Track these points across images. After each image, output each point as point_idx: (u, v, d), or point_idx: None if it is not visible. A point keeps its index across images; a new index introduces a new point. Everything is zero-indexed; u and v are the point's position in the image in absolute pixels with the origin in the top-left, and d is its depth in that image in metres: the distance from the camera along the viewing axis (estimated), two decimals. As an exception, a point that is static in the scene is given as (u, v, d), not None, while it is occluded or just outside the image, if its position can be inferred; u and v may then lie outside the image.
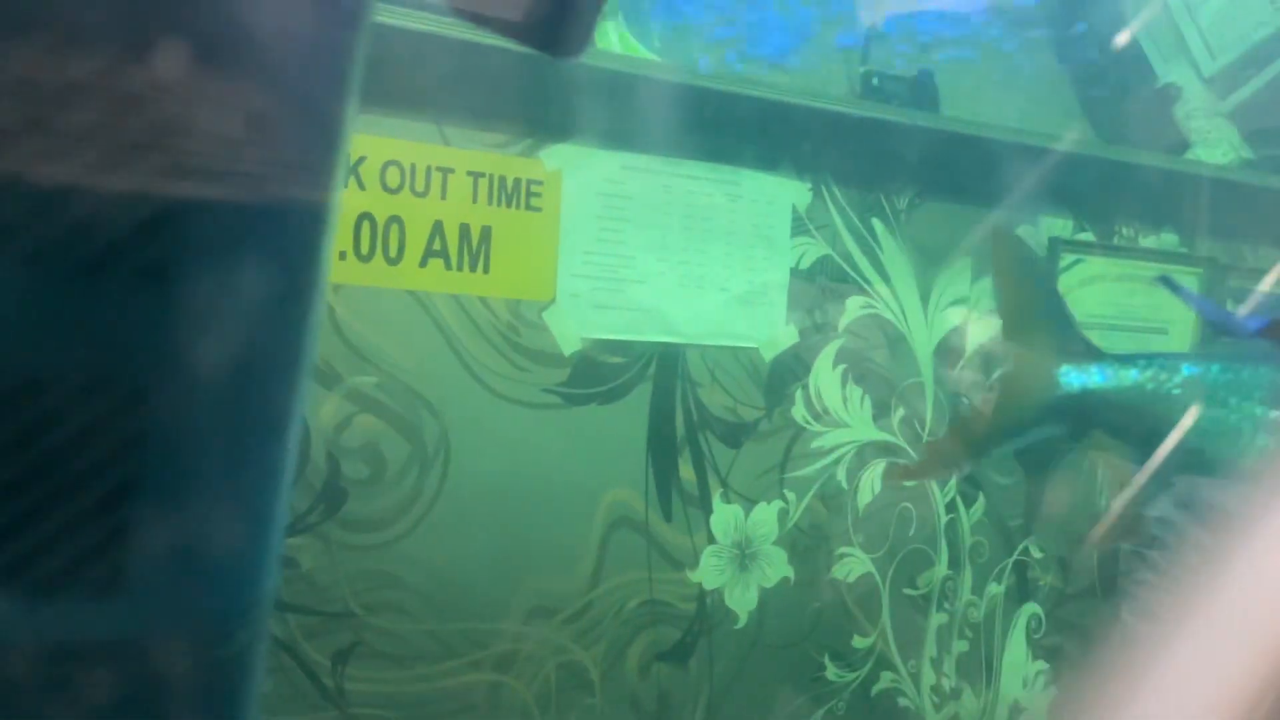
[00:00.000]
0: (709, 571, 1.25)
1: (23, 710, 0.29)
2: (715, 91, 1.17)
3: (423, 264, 1.07)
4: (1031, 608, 1.50)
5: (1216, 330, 1.48)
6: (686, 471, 1.23)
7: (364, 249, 1.04)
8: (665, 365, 1.21)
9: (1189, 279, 1.55)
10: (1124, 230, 1.53)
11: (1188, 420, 0.98)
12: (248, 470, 0.34)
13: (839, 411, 1.32)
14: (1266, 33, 1.53)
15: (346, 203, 1.02)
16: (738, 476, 1.26)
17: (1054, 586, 1.51)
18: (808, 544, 1.31)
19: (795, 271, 1.27)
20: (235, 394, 0.32)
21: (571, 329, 1.15)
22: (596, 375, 1.17)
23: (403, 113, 1.05)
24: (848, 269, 1.31)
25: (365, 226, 1.04)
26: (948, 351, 1.39)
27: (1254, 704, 0.34)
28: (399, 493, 1.08)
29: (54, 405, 0.28)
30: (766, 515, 1.28)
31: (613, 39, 1.15)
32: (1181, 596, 0.38)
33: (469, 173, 1.08)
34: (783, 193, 1.26)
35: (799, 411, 1.29)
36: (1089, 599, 1.53)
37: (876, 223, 1.33)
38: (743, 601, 1.27)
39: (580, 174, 1.14)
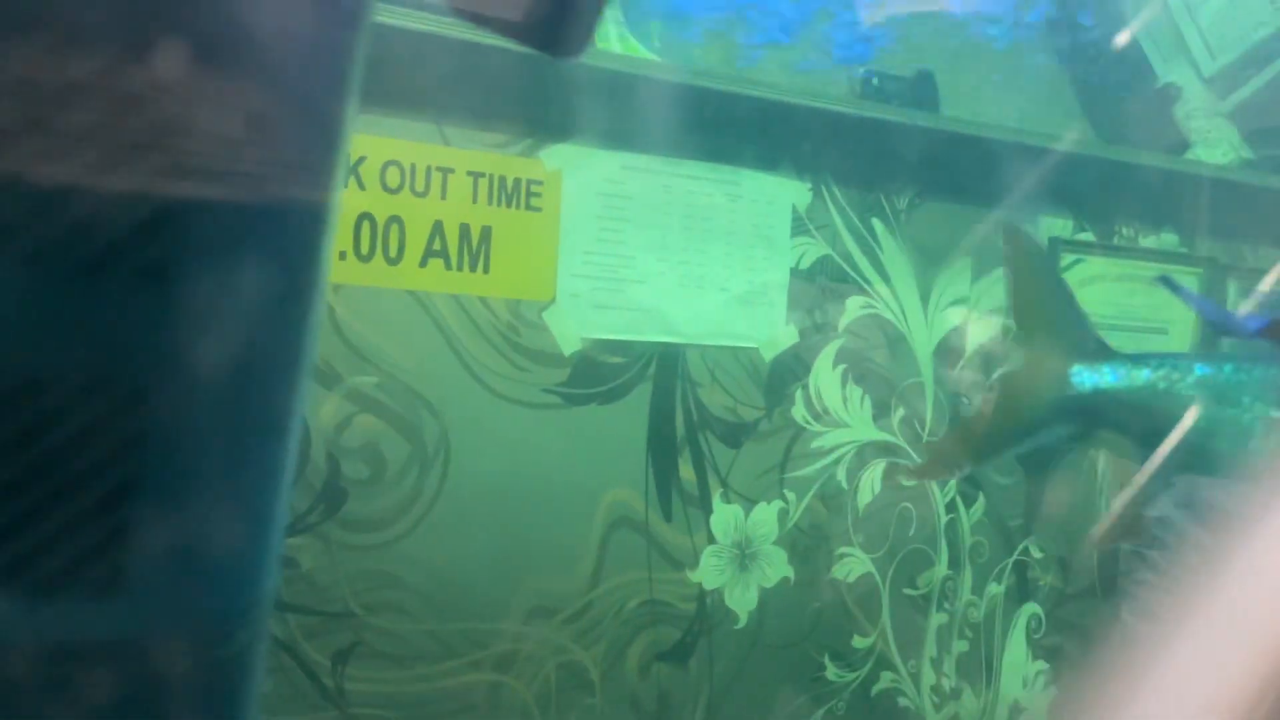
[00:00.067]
0: (709, 571, 1.25)
1: (23, 710, 0.29)
2: (715, 91, 1.17)
3: (423, 264, 1.07)
4: (1031, 608, 1.50)
5: (1216, 330, 1.48)
6: (686, 471, 1.23)
7: (364, 249, 1.04)
8: (665, 365, 1.21)
9: (1189, 279, 1.55)
10: (1124, 230, 1.53)
11: (1200, 420, 0.98)
12: (248, 470, 0.34)
13: (839, 411, 1.32)
14: (1266, 33, 1.53)
15: (346, 203, 1.02)
16: (738, 476, 1.26)
17: (1054, 586, 1.51)
18: (808, 544, 1.31)
19: (795, 271, 1.27)
20: (235, 394, 0.32)
21: (571, 329, 1.15)
22: (596, 375, 1.17)
23: (403, 113, 1.05)
24: (848, 269, 1.31)
25: (365, 226, 1.04)
26: (948, 351, 1.39)
27: (1254, 704, 0.34)
28: (399, 493, 1.08)
29: (54, 405, 0.28)
30: (766, 515, 1.28)
31: (613, 39, 1.15)
32: (1181, 596, 0.38)
33: (469, 173, 1.08)
34: (783, 193, 1.26)
35: (799, 411, 1.29)
36: (1089, 599, 1.53)
37: (876, 223, 1.33)
38: (743, 601, 1.27)
39: (580, 174, 1.14)
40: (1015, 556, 1.48)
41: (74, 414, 0.29)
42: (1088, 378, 1.07)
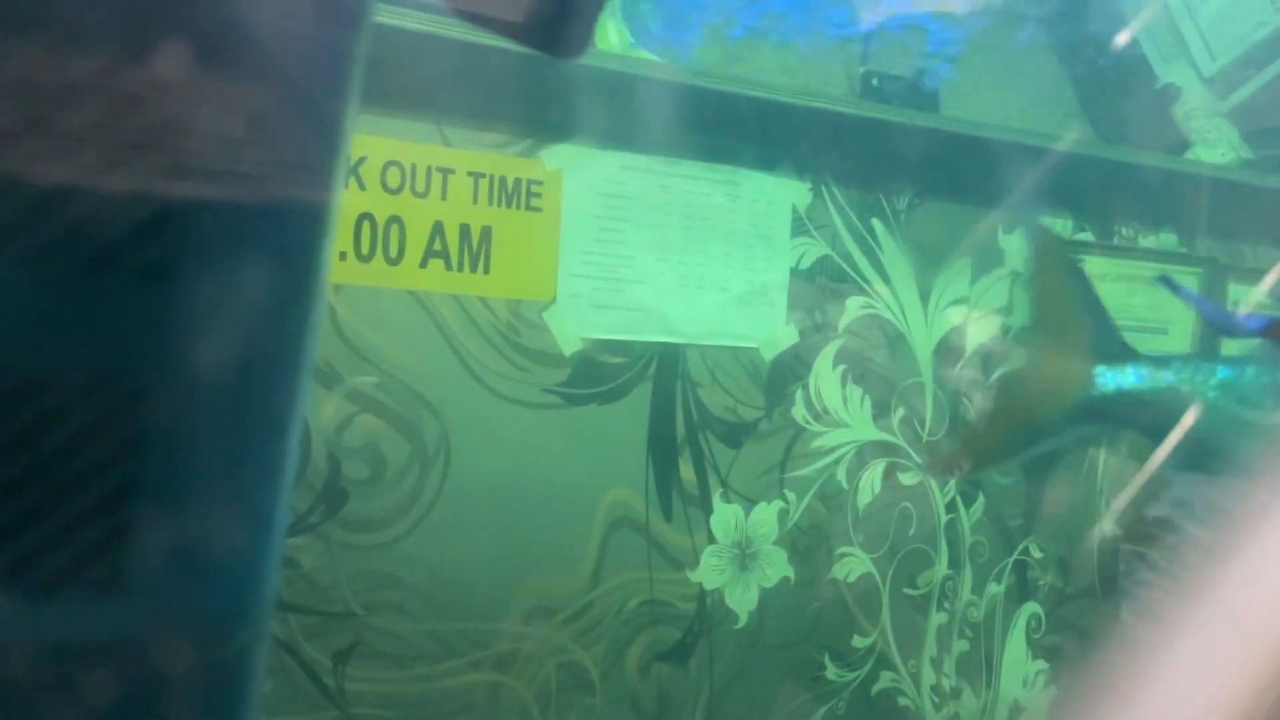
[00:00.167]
0: (709, 571, 1.25)
1: (24, 710, 0.29)
2: (715, 91, 1.17)
3: (423, 264, 1.07)
4: (1031, 607, 1.50)
5: (1216, 330, 1.48)
6: (687, 471, 1.23)
7: (364, 249, 1.04)
8: (665, 365, 1.21)
9: (1189, 279, 1.55)
10: (1124, 230, 1.53)
11: (1222, 422, 0.98)
12: (248, 471, 0.34)
13: (839, 411, 1.32)
14: (1266, 33, 1.53)
15: (347, 203, 1.02)
16: (738, 476, 1.26)
17: (1054, 586, 1.51)
18: (808, 544, 1.31)
19: (795, 271, 1.27)
20: (236, 394, 0.32)
21: (572, 329, 1.15)
22: (597, 375, 1.17)
23: (403, 113, 1.05)
24: (848, 269, 1.31)
25: (365, 227, 1.04)
26: (948, 351, 1.39)
27: (1254, 704, 0.34)
28: (399, 493, 1.08)
29: (55, 405, 0.28)
30: (767, 515, 1.28)
31: (612, 39, 1.15)
32: (1182, 596, 0.38)
33: (469, 173, 1.08)
34: (782, 193, 1.26)
35: (799, 411, 1.29)
36: (1089, 599, 1.53)
37: (876, 223, 1.33)
38: (743, 601, 1.27)
39: (580, 174, 1.14)
40: (1015, 556, 1.48)
41: (74, 414, 0.29)
42: (1111, 379, 1.07)
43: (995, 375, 1.43)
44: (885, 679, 1.38)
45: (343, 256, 1.03)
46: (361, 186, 1.03)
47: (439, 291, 1.08)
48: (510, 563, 1.13)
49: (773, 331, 1.27)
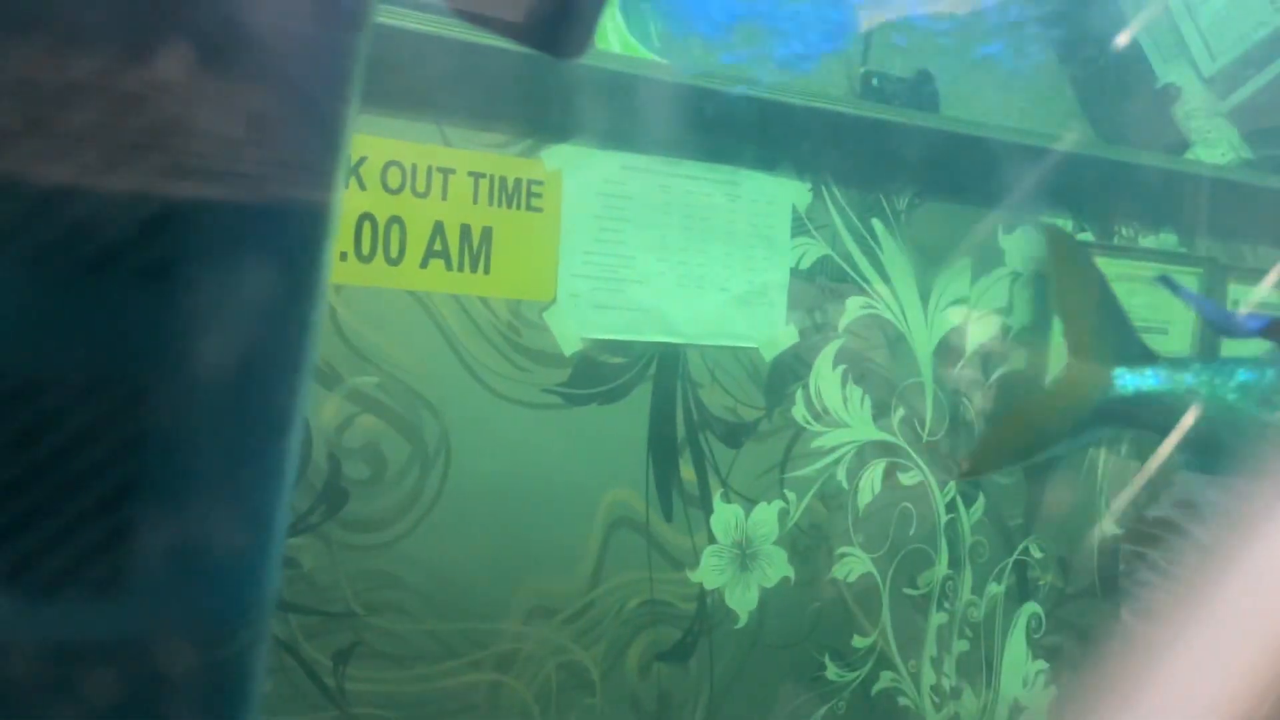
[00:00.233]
0: (709, 571, 1.25)
1: (25, 709, 0.29)
2: (715, 92, 1.17)
3: (423, 264, 1.07)
4: (1031, 607, 1.50)
5: (1216, 330, 1.48)
6: (687, 471, 1.23)
7: (365, 249, 1.04)
8: (665, 365, 1.21)
9: (1189, 279, 1.55)
10: (1124, 230, 1.53)
11: (1238, 423, 0.98)
12: (249, 471, 0.34)
13: (839, 411, 1.32)
14: (1266, 33, 1.53)
15: (347, 203, 1.02)
16: (738, 476, 1.26)
17: (1054, 586, 1.51)
18: (808, 544, 1.31)
19: (795, 271, 1.27)
20: (236, 395, 0.32)
21: (572, 329, 1.15)
22: (597, 375, 1.17)
23: (404, 113, 1.05)
24: (848, 269, 1.31)
25: (366, 227, 1.04)
26: (948, 351, 1.39)
27: (1255, 704, 0.34)
28: (400, 493, 1.08)
29: (55, 405, 0.28)
30: (767, 515, 1.28)
31: (612, 39, 1.15)
32: (1182, 596, 0.38)
33: (470, 173, 1.08)
34: (783, 193, 1.26)
35: (799, 411, 1.29)
36: (1089, 599, 1.53)
37: (876, 223, 1.33)
38: (743, 601, 1.27)
39: (580, 174, 1.14)
40: (1015, 556, 1.48)
41: (75, 414, 0.29)
42: (1130, 380, 1.07)
43: (996, 375, 1.43)
44: (885, 679, 1.38)
45: (343, 257, 1.03)
46: (362, 187, 1.03)
47: (439, 292, 1.08)
48: (510, 563, 1.13)
49: (773, 331, 1.27)
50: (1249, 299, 1.60)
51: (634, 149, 1.16)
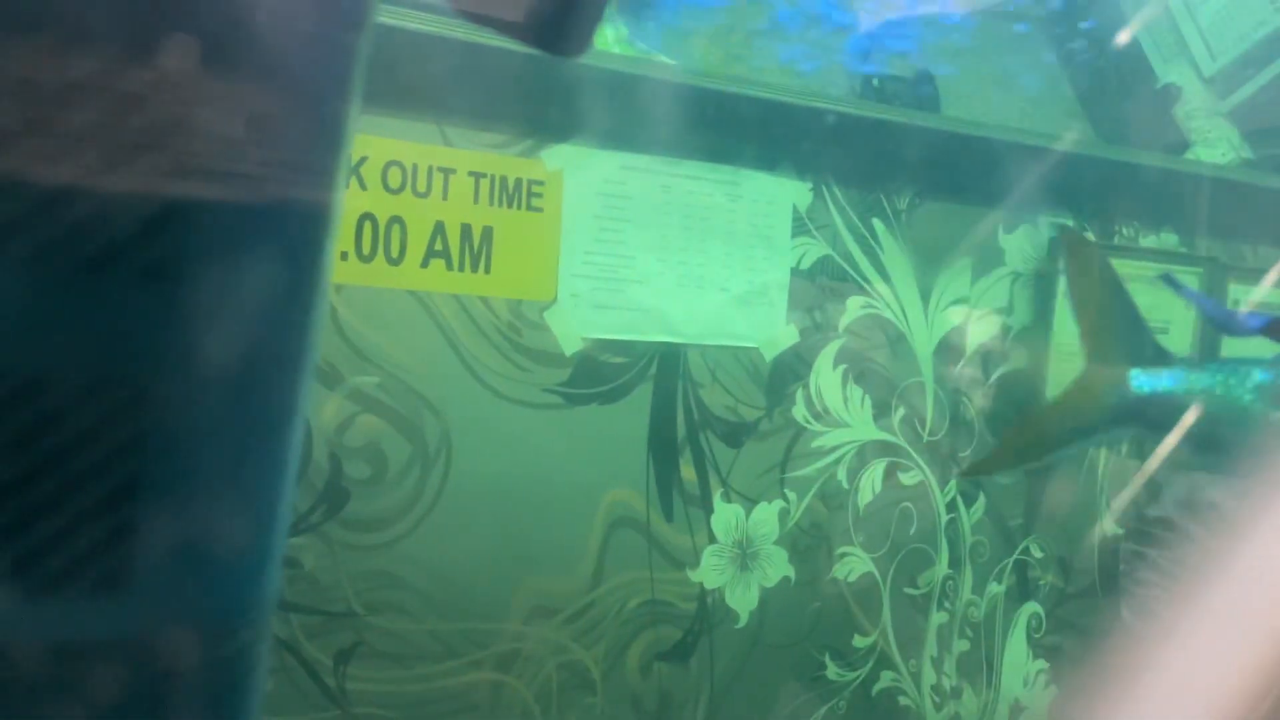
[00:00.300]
0: (710, 571, 1.25)
1: (26, 707, 0.29)
2: (715, 91, 1.17)
3: (424, 264, 1.07)
4: (1032, 607, 1.50)
5: (1218, 328, 1.48)
6: (687, 471, 1.23)
7: (366, 249, 1.04)
8: (666, 365, 1.21)
9: (1189, 278, 1.55)
10: (1124, 230, 1.53)
11: (1253, 424, 0.98)
12: (250, 470, 0.34)
13: (839, 411, 1.32)
14: (1266, 32, 1.53)
15: (348, 203, 1.02)
16: (738, 476, 1.26)
17: (1055, 586, 1.51)
18: (808, 543, 1.31)
19: (796, 271, 1.27)
20: (238, 393, 0.32)
21: (572, 329, 1.15)
22: (597, 375, 1.17)
23: (404, 113, 1.05)
24: (848, 269, 1.31)
25: (367, 227, 1.04)
26: (948, 351, 1.39)
27: (1255, 703, 0.34)
28: (400, 493, 1.08)
29: (58, 404, 0.28)
30: (767, 515, 1.28)
31: (611, 39, 1.16)
32: (1182, 595, 0.38)
33: (470, 173, 1.08)
34: (783, 193, 1.26)
35: (799, 411, 1.29)
36: (1090, 598, 1.53)
37: (877, 223, 1.33)
38: (744, 601, 1.27)
39: (581, 174, 1.14)
40: (1016, 556, 1.48)
41: (78, 413, 0.29)
42: (1146, 382, 1.08)
43: (996, 374, 1.43)
44: (886, 679, 1.38)
45: (344, 256, 1.03)
46: (363, 186, 1.03)
47: (440, 291, 1.08)
48: (511, 562, 1.13)
49: (773, 331, 1.27)
50: (1250, 298, 1.60)
51: (634, 149, 1.16)
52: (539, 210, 1.12)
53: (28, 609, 0.29)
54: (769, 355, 1.27)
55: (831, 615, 1.33)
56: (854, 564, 1.34)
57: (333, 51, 0.34)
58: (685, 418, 1.22)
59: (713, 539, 1.25)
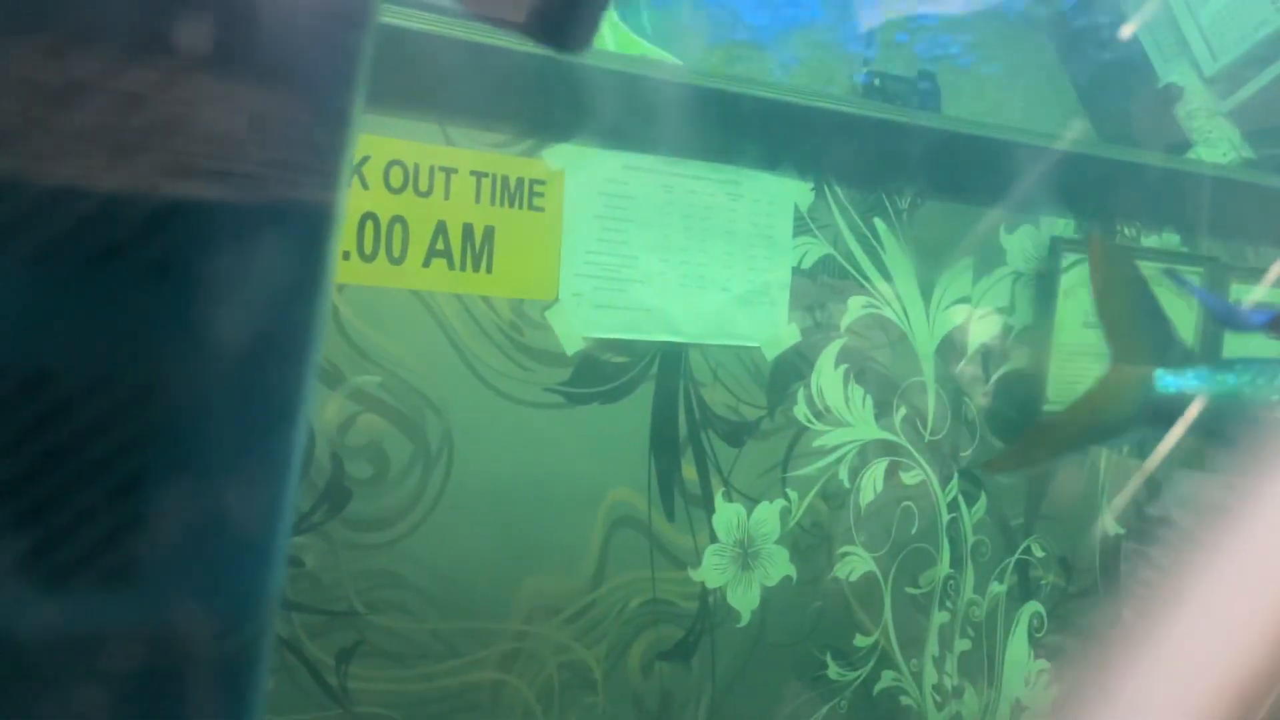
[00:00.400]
0: (711, 570, 1.25)
1: (30, 700, 0.29)
2: (717, 91, 1.18)
3: (426, 264, 1.07)
4: (1034, 606, 1.50)
5: (1221, 324, 1.49)
6: (689, 470, 1.23)
7: (368, 249, 1.04)
8: (668, 364, 1.21)
9: (1191, 278, 1.56)
10: (1126, 230, 1.53)
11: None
12: (254, 466, 0.34)
13: (841, 410, 1.32)
14: (1267, 32, 1.53)
15: (351, 202, 1.02)
16: (740, 475, 1.26)
17: (1056, 585, 1.51)
18: (810, 543, 1.31)
19: (797, 271, 1.27)
20: (242, 390, 0.32)
21: (574, 328, 1.15)
22: (599, 374, 1.17)
23: (406, 113, 1.05)
24: (850, 268, 1.31)
25: (369, 226, 1.04)
26: (949, 350, 1.39)
27: (1255, 703, 0.34)
28: (402, 492, 1.08)
29: (65, 399, 0.28)
30: (769, 514, 1.28)
31: (610, 39, 1.16)
32: (1184, 595, 0.38)
33: (472, 172, 1.09)
34: (785, 192, 1.26)
35: (801, 410, 1.29)
36: (1091, 598, 1.53)
37: (879, 222, 1.33)
38: (745, 600, 1.27)
39: (583, 174, 1.14)
40: (1017, 555, 1.48)
41: (83, 408, 0.29)
42: (1171, 381, 1.08)
43: (997, 374, 1.43)
44: (887, 678, 1.38)
45: (346, 256, 1.03)
46: (365, 186, 1.04)
47: (442, 291, 1.08)
48: (513, 562, 1.13)
49: (775, 331, 1.27)
50: (1251, 298, 1.60)
51: (636, 148, 1.16)
52: (541, 210, 1.12)
53: (32, 602, 0.29)
54: (770, 354, 1.27)
55: (833, 614, 1.33)
56: (855, 563, 1.34)
57: (336, 50, 0.34)
58: (687, 417, 1.22)
59: (714, 538, 1.25)
